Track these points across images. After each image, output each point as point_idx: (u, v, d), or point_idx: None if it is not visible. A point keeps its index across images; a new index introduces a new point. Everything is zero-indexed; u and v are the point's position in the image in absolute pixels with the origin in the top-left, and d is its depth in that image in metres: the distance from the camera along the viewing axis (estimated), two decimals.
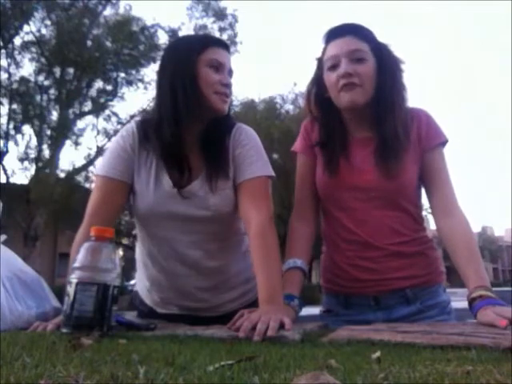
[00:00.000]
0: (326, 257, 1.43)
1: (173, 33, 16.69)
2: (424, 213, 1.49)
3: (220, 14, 17.60)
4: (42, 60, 16.07)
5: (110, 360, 0.64)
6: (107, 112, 17.33)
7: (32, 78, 16.03)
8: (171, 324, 1.23)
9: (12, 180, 15.71)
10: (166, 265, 1.34)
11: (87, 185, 16.24)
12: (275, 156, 17.43)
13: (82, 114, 16.83)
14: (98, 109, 16.99)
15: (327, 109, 1.34)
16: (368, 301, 1.32)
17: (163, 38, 16.80)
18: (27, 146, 15.85)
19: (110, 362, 0.63)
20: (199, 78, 1.24)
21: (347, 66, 1.25)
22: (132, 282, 13.08)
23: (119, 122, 17.08)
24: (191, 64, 1.24)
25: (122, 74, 17.15)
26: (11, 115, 15.52)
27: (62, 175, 16.43)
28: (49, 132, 16.12)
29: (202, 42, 1.29)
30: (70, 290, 0.97)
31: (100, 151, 16.44)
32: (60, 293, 1.10)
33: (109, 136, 16.87)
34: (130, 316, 1.44)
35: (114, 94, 17.12)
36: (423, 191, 1.37)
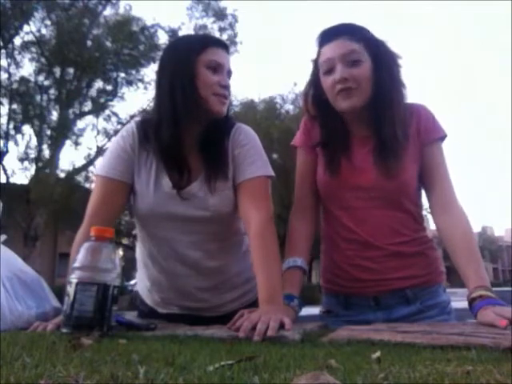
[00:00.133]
0: (326, 257, 1.43)
1: (173, 33, 16.69)
2: (424, 212, 1.48)
3: (220, 14, 17.60)
4: (42, 60, 16.08)
5: (110, 360, 0.64)
6: (107, 112, 17.37)
7: (32, 78, 16.06)
8: (171, 324, 1.23)
9: (12, 180, 15.73)
10: (166, 265, 1.34)
11: (87, 185, 16.25)
12: (275, 156, 17.43)
13: (82, 114, 16.84)
14: (98, 109, 17.00)
15: (326, 110, 1.33)
16: (368, 301, 1.32)
17: (163, 38, 16.83)
18: (27, 146, 15.88)
19: (109, 362, 0.63)
20: (198, 79, 1.24)
21: (342, 71, 1.24)
22: (132, 282, 13.11)
23: (119, 122, 17.09)
24: (190, 65, 1.24)
25: (122, 74, 17.16)
26: (11, 115, 15.53)
27: (62, 175, 16.44)
28: (49, 132, 16.12)
29: (201, 43, 1.28)
30: (70, 290, 0.97)
31: (100, 151, 16.45)
32: (60, 293, 1.10)
33: (109, 136, 16.88)
34: (130, 316, 1.44)
35: (114, 94, 17.13)
36: (423, 191, 1.37)
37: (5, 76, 15.32)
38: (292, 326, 0.98)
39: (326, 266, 1.43)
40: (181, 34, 16.11)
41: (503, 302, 1.06)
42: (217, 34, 16.37)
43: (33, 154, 15.88)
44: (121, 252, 17.72)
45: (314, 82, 1.34)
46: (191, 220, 1.29)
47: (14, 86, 15.63)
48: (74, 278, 0.97)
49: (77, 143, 16.62)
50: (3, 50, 15.19)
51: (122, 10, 17.05)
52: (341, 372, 0.58)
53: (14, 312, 1.14)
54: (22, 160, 15.85)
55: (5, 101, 15.39)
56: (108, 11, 16.91)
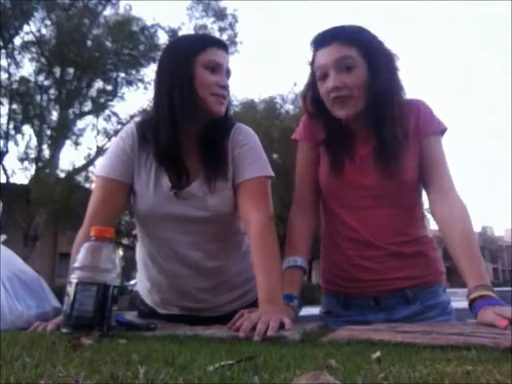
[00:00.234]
0: (326, 256, 1.43)
1: (173, 33, 16.68)
2: (424, 212, 1.48)
3: (220, 14, 17.59)
4: (42, 60, 16.08)
5: (110, 360, 0.64)
6: (107, 112, 17.37)
7: (32, 78, 16.06)
8: (171, 324, 1.23)
9: (12, 180, 15.74)
10: (166, 265, 1.34)
11: (87, 185, 16.25)
12: (275, 156, 17.43)
13: (82, 114, 16.84)
14: (98, 109, 17.00)
15: (325, 111, 1.32)
16: (368, 301, 1.32)
17: (163, 38, 16.83)
18: (27, 146, 15.88)
19: (109, 362, 0.63)
20: (196, 79, 1.23)
21: (335, 79, 1.22)
22: (132, 282, 13.11)
23: (119, 122, 17.10)
24: (188, 65, 1.23)
25: (122, 74, 17.16)
26: (11, 115, 15.53)
27: (62, 175, 16.44)
28: (49, 132, 16.13)
29: (199, 43, 1.28)
30: (70, 290, 0.97)
31: (100, 151, 16.46)
32: (60, 293, 1.10)
33: (109, 136, 16.88)
34: (130, 316, 1.44)
35: (114, 94, 17.13)
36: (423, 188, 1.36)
37: (5, 76, 15.35)
38: (292, 326, 0.98)
39: (325, 267, 1.43)
40: (181, 34, 16.10)
41: (503, 302, 1.06)
42: (217, 34, 16.36)
43: (33, 154, 15.91)
44: (121, 252, 17.73)
45: (312, 84, 1.33)
46: (191, 220, 1.29)
47: (14, 85, 15.64)
48: (74, 277, 0.97)
49: (77, 143, 16.65)
50: (3, 50, 15.20)
51: (121, 10, 17.08)
52: (341, 372, 0.58)
53: (14, 312, 1.14)
54: (22, 160, 15.86)
55: (5, 101, 15.41)
56: (108, 11, 16.95)
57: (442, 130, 1.32)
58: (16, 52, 15.88)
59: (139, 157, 1.31)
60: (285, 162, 15.22)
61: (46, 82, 16.22)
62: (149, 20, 17.73)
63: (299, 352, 0.76)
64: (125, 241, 18.86)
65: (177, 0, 36.87)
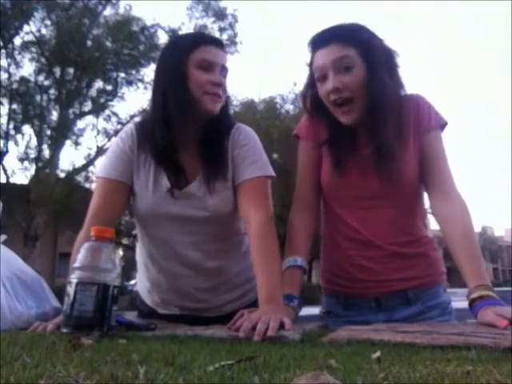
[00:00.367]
0: (326, 256, 1.42)
1: (173, 33, 16.65)
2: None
3: (220, 14, 17.58)
4: (42, 60, 16.07)
5: (110, 360, 0.64)
6: (107, 112, 17.36)
7: (32, 78, 16.05)
8: (171, 324, 1.23)
9: (12, 180, 15.73)
10: (166, 265, 1.34)
11: (87, 185, 16.25)
12: (275, 156, 17.42)
13: (82, 114, 16.83)
14: (98, 109, 17.00)
15: (325, 111, 1.31)
16: (369, 302, 1.32)
17: (163, 38, 16.80)
18: (27, 146, 15.87)
19: (109, 362, 0.63)
20: (189, 79, 1.22)
21: (334, 80, 1.21)
22: (132, 282, 13.11)
23: (119, 122, 17.10)
24: (182, 65, 1.22)
25: (122, 74, 17.15)
26: (11, 115, 15.52)
27: (62, 175, 16.43)
28: (49, 132, 16.12)
29: (192, 41, 1.26)
30: (70, 290, 0.97)
31: (100, 151, 16.46)
32: (60, 293, 1.10)
33: (109, 136, 16.88)
34: (130, 316, 1.44)
35: (114, 94, 17.13)
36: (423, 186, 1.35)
37: (5, 76, 15.33)
38: (292, 326, 0.98)
39: (326, 266, 1.42)
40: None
41: (503, 302, 1.06)
42: (217, 34, 16.32)
43: (33, 154, 15.90)
44: (121, 252, 17.72)
45: (311, 85, 1.32)
46: (190, 220, 1.29)
47: (14, 86, 15.63)
48: (74, 277, 0.98)
49: (77, 143, 16.64)
50: (3, 50, 15.19)
51: (121, 10, 17.06)
52: (341, 372, 0.58)
53: (14, 312, 1.14)
54: (22, 160, 15.85)
55: (5, 101, 15.40)
56: (108, 11, 16.93)
57: (442, 125, 1.32)
58: (16, 52, 15.88)
59: (138, 157, 1.31)
60: (285, 162, 15.20)
61: (46, 82, 16.22)
62: (149, 20, 17.73)
63: (299, 352, 0.76)
64: (125, 241, 18.85)
65: (177, 0, 36.89)
